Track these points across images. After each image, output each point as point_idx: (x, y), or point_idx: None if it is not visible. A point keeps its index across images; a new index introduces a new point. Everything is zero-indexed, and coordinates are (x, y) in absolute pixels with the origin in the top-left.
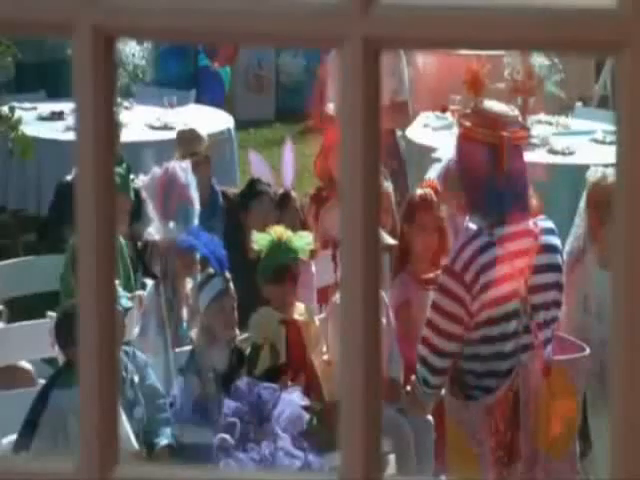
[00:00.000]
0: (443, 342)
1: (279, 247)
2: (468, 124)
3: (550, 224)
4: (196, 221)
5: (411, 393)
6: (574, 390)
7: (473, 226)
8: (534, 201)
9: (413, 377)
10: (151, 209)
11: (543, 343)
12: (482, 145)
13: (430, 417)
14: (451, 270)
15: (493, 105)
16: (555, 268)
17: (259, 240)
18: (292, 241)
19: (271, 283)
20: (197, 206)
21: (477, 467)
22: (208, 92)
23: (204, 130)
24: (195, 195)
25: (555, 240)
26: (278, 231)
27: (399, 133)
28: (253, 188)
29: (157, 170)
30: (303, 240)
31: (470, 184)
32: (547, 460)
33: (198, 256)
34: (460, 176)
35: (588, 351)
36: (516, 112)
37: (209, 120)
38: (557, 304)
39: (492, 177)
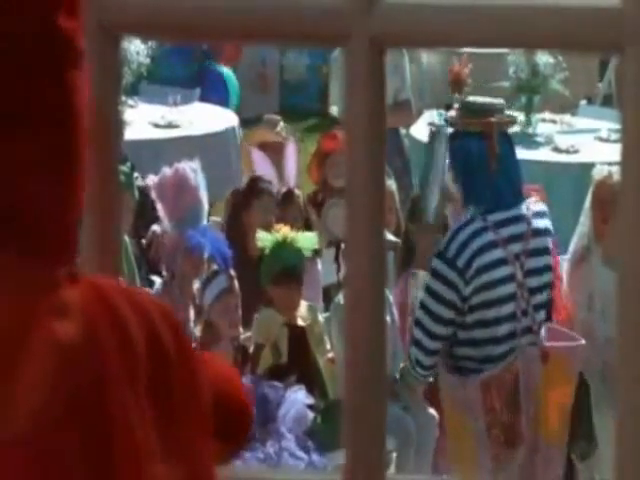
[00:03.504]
0: (436, 325)
1: (284, 248)
2: (456, 118)
3: (540, 207)
4: (205, 221)
5: (401, 377)
6: (571, 378)
7: None
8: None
9: (402, 365)
10: (160, 209)
11: (539, 324)
12: (472, 136)
13: (435, 414)
14: (444, 255)
15: (477, 98)
16: (546, 251)
17: (263, 239)
18: (297, 242)
19: (275, 284)
20: (206, 206)
21: (474, 444)
22: (212, 91)
23: (208, 128)
24: (204, 196)
25: (543, 223)
26: (283, 231)
27: (403, 131)
28: (254, 186)
29: (167, 170)
30: (308, 240)
31: (465, 176)
32: (544, 448)
33: (206, 256)
34: (454, 172)
35: (583, 341)
36: (501, 101)
37: (213, 118)
38: (550, 286)
39: (485, 164)
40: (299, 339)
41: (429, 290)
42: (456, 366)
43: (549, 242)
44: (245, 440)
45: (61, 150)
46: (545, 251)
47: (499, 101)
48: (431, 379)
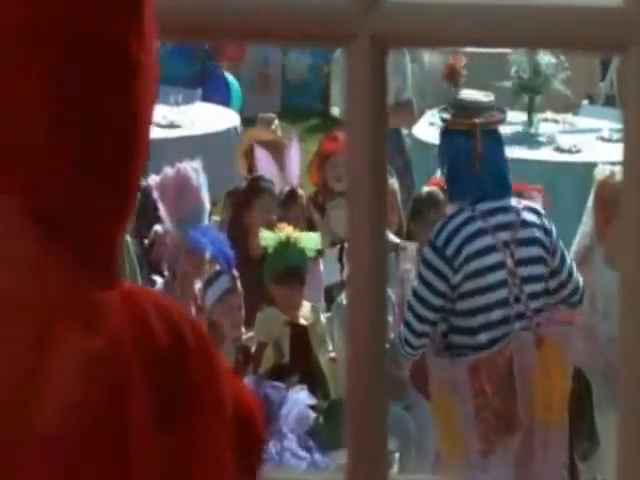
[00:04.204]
0: (425, 311)
1: (287, 248)
2: (446, 116)
3: (534, 205)
4: (206, 221)
5: (390, 352)
6: (566, 362)
7: None
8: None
9: (392, 335)
10: (162, 209)
11: (533, 311)
12: (459, 133)
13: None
14: (434, 244)
15: (468, 95)
16: (535, 242)
17: (266, 238)
18: (300, 242)
19: (278, 284)
20: (208, 206)
21: (461, 426)
22: (214, 91)
23: (210, 128)
24: (206, 196)
25: (533, 217)
26: (286, 231)
27: (405, 131)
28: (255, 186)
29: (169, 170)
30: (311, 241)
31: (450, 173)
32: (542, 432)
33: (207, 256)
34: (441, 167)
35: (575, 323)
36: (491, 98)
37: (215, 118)
38: (543, 278)
39: (469, 162)
40: (301, 338)
41: (421, 278)
42: (450, 352)
43: (536, 233)
44: (258, 461)
45: (118, 157)
46: (533, 242)
47: (488, 99)
48: (417, 357)
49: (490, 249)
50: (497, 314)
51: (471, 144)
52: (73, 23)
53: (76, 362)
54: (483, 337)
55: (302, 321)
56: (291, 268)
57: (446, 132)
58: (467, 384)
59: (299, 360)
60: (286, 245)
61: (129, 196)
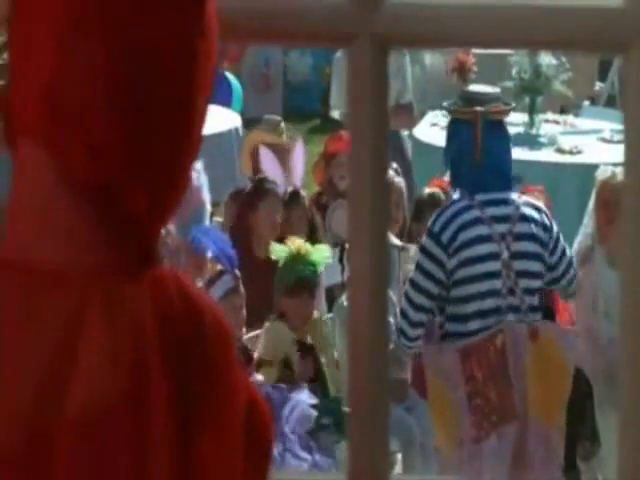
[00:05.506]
0: (421, 298)
1: (298, 260)
2: (453, 108)
3: (535, 202)
4: (207, 221)
5: (391, 352)
6: (562, 361)
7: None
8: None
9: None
10: None
11: (530, 308)
12: (464, 123)
13: None
14: (431, 232)
15: (474, 87)
16: (532, 238)
17: (277, 251)
18: (311, 254)
19: (288, 296)
20: (209, 207)
21: (454, 413)
22: (215, 92)
23: (211, 129)
24: (207, 197)
25: (532, 212)
26: (296, 243)
27: (406, 133)
28: (260, 187)
29: None
30: (321, 253)
31: (453, 162)
32: (536, 427)
33: (209, 256)
34: (445, 156)
35: (574, 328)
36: (497, 90)
37: (216, 119)
38: (540, 275)
39: (471, 151)
40: (309, 356)
41: (417, 265)
42: (445, 341)
43: (533, 229)
44: (267, 462)
45: (170, 144)
46: (532, 238)
47: (494, 90)
48: (414, 351)
49: (485, 239)
50: (490, 303)
51: (473, 133)
52: (135, 16)
53: (102, 347)
54: (475, 325)
55: (310, 340)
56: (301, 279)
57: (451, 122)
58: (458, 370)
59: (306, 377)
60: (296, 257)
61: (177, 186)
